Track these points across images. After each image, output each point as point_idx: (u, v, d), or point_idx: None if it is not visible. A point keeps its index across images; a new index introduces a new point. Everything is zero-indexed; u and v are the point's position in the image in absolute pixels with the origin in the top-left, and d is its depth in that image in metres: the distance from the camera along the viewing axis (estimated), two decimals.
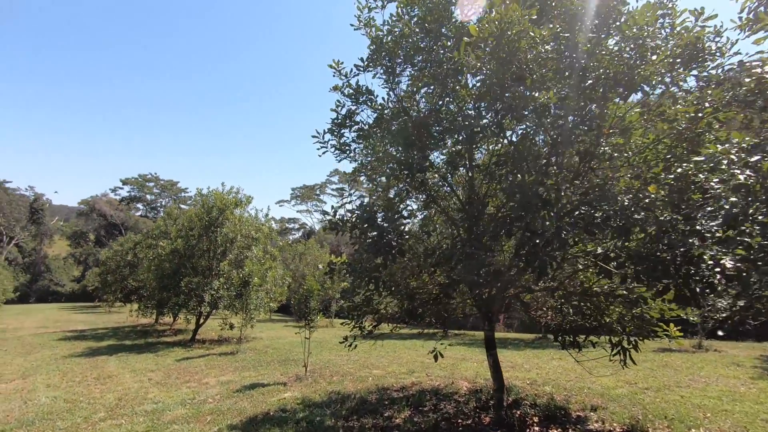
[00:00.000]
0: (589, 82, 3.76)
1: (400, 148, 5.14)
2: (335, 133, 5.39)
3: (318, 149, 5.68)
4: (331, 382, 8.91)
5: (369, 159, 6.28)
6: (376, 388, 8.19)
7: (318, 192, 61.17)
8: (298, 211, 69.46)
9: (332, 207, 4.68)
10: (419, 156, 4.87)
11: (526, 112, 3.99)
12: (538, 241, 3.24)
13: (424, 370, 9.92)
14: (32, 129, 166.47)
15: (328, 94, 6.02)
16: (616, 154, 4.56)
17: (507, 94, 3.96)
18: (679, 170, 4.05)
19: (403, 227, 4.41)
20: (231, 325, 14.97)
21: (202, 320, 17.00)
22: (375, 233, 4.24)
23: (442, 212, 5.98)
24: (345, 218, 4.74)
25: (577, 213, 3.44)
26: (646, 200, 3.30)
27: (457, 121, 4.93)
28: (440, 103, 5.68)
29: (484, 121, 4.72)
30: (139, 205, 59.08)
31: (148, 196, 58.74)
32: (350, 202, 5.14)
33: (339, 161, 5.77)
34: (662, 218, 3.19)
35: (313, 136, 5.65)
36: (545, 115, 3.77)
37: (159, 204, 58.41)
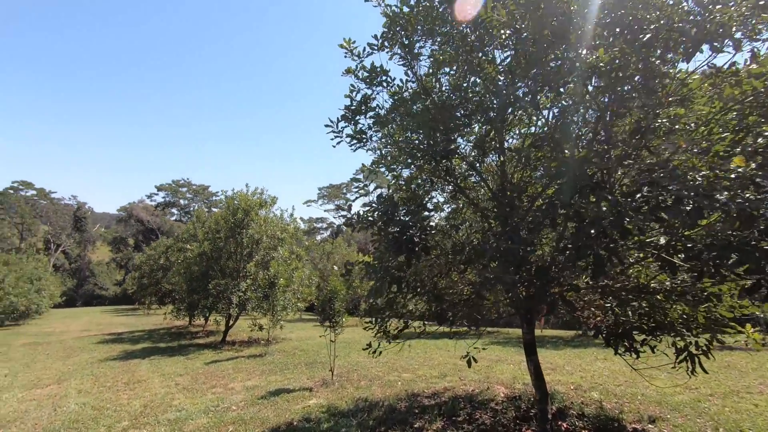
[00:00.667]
0: (648, 36, 3.07)
1: (422, 133, 4.57)
2: (350, 120, 4.85)
3: (332, 139, 5.18)
4: (358, 387, 8.45)
5: (387, 149, 5.74)
6: (406, 395, 7.66)
7: (345, 191, 61.15)
8: (325, 211, 69.79)
9: (346, 201, 4.15)
10: (444, 139, 4.27)
11: (570, 80, 3.33)
12: (592, 230, 2.62)
13: (457, 373, 9.31)
14: (71, 141, 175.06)
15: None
16: (676, 127, 3.83)
17: (547, 58, 3.32)
18: (760, 140, 3.31)
19: (427, 221, 3.86)
20: (260, 327, 14.79)
21: (231, 322, 16.98)
22: (396, 229, 3.69)
23: (470, 204, 5.36)
24: (362, 214, 4.22)
25: (638, 196, 2.79)
26: (732, 175, 2.61)
27: (486, 98, 4.32)
28: (464, 84, 5.07)
29: (519, 92, 4.07)
30: (174, 210, 60.92)
31: (181, 201, 60.46)
32: (367, 194, 4.58)
33: (354, 150, 5.22)
34: (755, 197, 2.49)
35: (326, 125, 5.15)
36: (592, 80, 3.12)
37: (192, 208, 59.99)
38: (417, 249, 3.65)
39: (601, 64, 3.03)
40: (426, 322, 5.85)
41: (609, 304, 4.87)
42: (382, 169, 5.97)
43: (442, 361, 10.82)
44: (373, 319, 5.65)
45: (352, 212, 4.16)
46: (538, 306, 5.02)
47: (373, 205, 4.05)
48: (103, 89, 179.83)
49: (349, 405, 7.20)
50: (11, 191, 54.50)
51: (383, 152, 5.77)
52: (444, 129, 4.35)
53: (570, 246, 3.03)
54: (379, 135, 5.57)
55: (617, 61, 3.06)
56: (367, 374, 9.59)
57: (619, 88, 3.22)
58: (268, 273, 13.69)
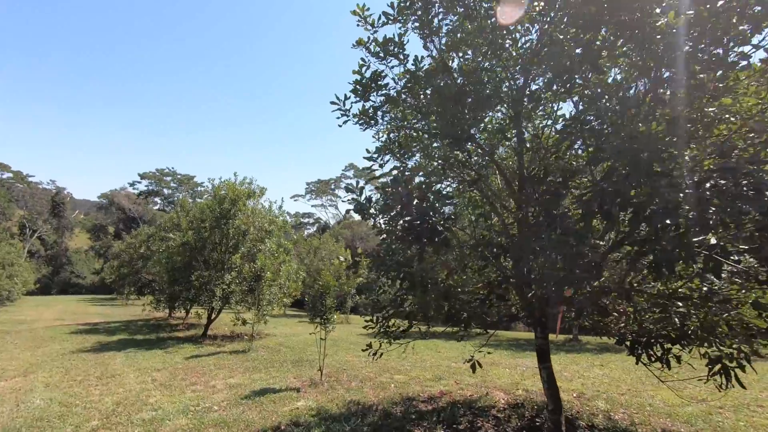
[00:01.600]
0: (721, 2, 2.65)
1: (440, 114, 4.08)
2: (361, 95, 4.33)
3: (338, 118, 4.66)
4: (349, 388, 7.94)
5: (394, 135, 5.25)
6: (401, 398, 7.19)
7: (333, 186, 60.36)
8: (312, 206, 68.95)
9: (357, 183, 3.64)
10: (470, 117, 3.80)
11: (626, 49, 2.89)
12: (669, 222, 2.18)
13: (452, 376, 8.89)
14: (52, 124, 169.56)
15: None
16: (726, 116, 3.43)
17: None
18: None
19: (446, 208, 3.40)
20: (243, 321, 14.15)
21: (213, 315, 16.27)
22: (412, 216, 3.21)
23: (487, 196, 4.90)
24: (372, 199, 3.71)
25: (709, 184, 2.36)
26: None
27: (509, 78, 3.87)
28: (485, 64, 4.61)
29: (547, 76, 3.63)
30: (157, 199, 59.21)
31: (165, 191, 58.80)
32: (378, 178, 4.08)
33: (363, 130, 4.71)
34: None
35: (332, 102, 4.63)
36: (658, 43, 2.67)
37: (176, 198, 58.31)
38: (437, 240, 3.17)
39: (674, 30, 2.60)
40: (430, 324, 5.38)
41: (632, 309, 4.48)
42: (388, 158, 5.46)
43: (434, 362, 10.39)
44: (374, 317, 5.15)
45: (363, 196, 3.64)
46: (556, 308, 4.59)
47: (388, 189, 3.55)
48: (85, 70, 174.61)
49: (340, 408, 6.69)
50: None
51: (391, 137, 5.27)
52: (471, 103, 3.86)
53: (629, 241, 2.60)
54: (388, 118, 5.08)
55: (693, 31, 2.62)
56: (357, 375, 9.09)
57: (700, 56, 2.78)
58: (255, 266, 13.06)
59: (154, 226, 23.91)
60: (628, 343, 4.20)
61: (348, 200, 3.63)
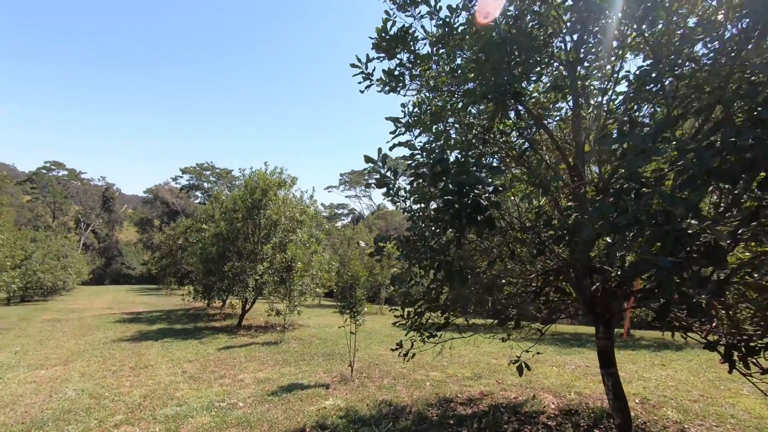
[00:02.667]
0: None
1: (481, 66, 3.33)
2: (384, 50, 3.64)
3: (360, 83, 4.00)
4: (381, 386, 7.38)
5: (427, 106, 4.51)
6: (437, 399, 6.54)
7: (367, 177, 60.05)
8: (346, 197, 68.98)
9: (379, 151, 2.97)
10: (519, 72, 3.03)
11: None
12: None
13: (493, 375, 8.13)
14: (100, 123, 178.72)
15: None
16: None
17: None
18: None
19: (492, 179, 2.69)
20: (277, 312, 13.95)
21: (247, 306, 16.22)
22: (449, 191, 2.51)
23: (535, 173, 4.10)
24: (398, 172, 3.03)
25: None
26: None
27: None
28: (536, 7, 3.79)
29: None
30: (198, 193, 61.08)
31: (205, 184, 60.54)
32: (408, 142, 3.37)
33: (387, 93, 4.03)
34: None
35: (353, 65, 3.96)
36: None
37: (215, 191, 59.82)
38: (481, 219, 2.47)
39: None
40: (468, 319, 4.68)
41: (721, 306, 3.58)
42: (418, 132, 4.73)
43: (473, 358, 9.65)
44: (405, 312, 4.50)
45: (386, 168, 2.96)
46: (623, 303, 3.77)
47: (417, 156, 2.86)
48: (128, 79, 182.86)
49: (371, 409, 6.13)
50: (44, 171, 55.60)
51: (422, 108, 4.54)
52: (519, 54, 3.08)
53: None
54: (417, 85, 4.36)
55: None
56: (390, 371, 8.52)
57: None
58: (285, 256, 12.73)
59: (191, 218, 24.32)
60: (721, 349, 3.33)
61: (368, 171, 2.97)
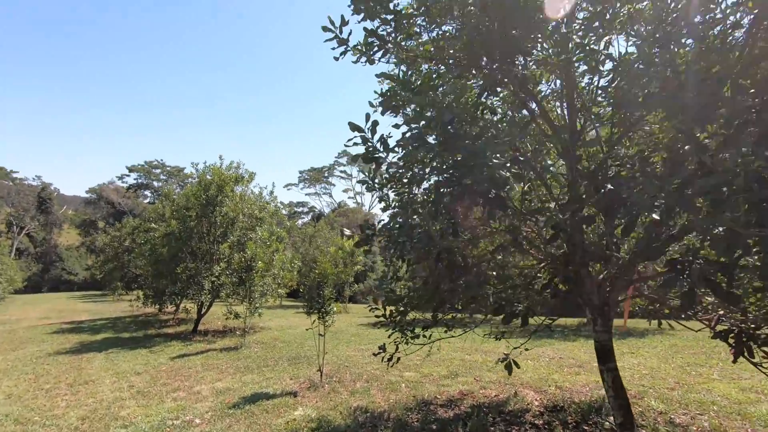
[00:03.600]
0: None
1: (474, 22, 2.85)
2: (364, 4, 3.06)
3: (334, 48, 3.43)
4: (353, 391, 6.83)
5: (414, 72, 3.97)
6: (415, 402, 6.09)
7: (326, 174, 58.91)
8: (306, 194, 67.47)
9: (367, 116, 2.41)
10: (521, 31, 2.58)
11: None
12: None
13: (469, 372, 7.80)
14: (36, 120, 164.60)
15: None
16: None
17: None
18: None
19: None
20: (236, 315, 12.99)
21: (203, 310, 15.10)
22: (459, 160, 2.01)
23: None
24: (387, 140, 2.49)
25: None
26: None
27: None
28: None
29: None
30: (147, 192, 57.20)
31: (155, 183, 56.78)
32: (400, 108, 2.83)
33: (371, 55, 3.45)
34: None
35: (325, 28, 3.38)
36: None
37: (166, 189, 56.04)
38: (494, 196, 2.00)
39: None
40: (458, 315, 4.24)
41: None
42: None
43: (446, 355, 9.30)
44: (386, 312, 3.99)
45: (377, 137, 2.42)
46: (625, 293, 3.46)
47: (413, 127, 2.32)
48: (68, 66, 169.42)
49: (345, 418, 5.58)
50: None
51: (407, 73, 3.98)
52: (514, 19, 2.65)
53: None
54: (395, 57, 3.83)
55: None
56: (361, 373, 7.98)
57: None
58: (245, 255, 11.84)
59: (138, 218, 22.50)
60: (732, 337, 3.09)
61: (354, 143, 2.42)
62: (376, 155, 2.47)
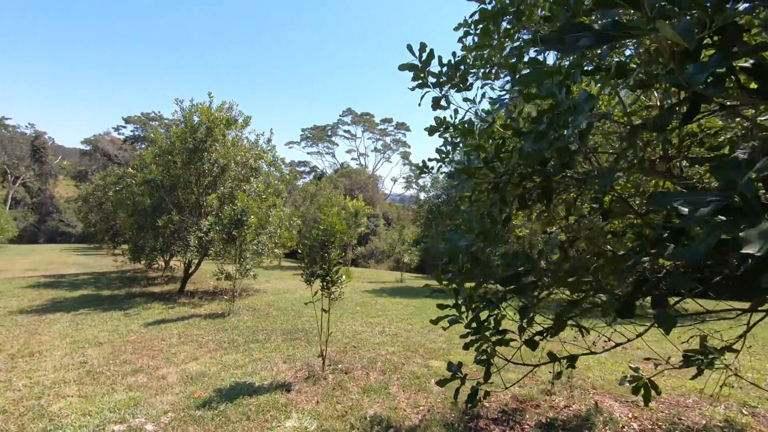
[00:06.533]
0: None
1: None
2: None
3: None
4: (367, 387, 5.02)
5: None
6: (456, 413, 4.28)
7: (330, 133, 55.94)
8: (308, 153, 64.76)
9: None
10: None
11: None
12: None
13: (516, 367, 6.01)
14: (30, 66, 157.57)
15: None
16: None
17: None
18: None
19: None
20: (227, 275, 11.18)
21: (192, 269, 13.29)
22: None
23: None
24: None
25: None
26: None
27: None
28: None
29: None
30: (143, 145, 54.45)
31: (152, 135, 53.78)
32: None
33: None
34: None
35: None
36: None
37: (151, 134, 52.80)
38: None
39: None
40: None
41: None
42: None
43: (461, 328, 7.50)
44: (460, 299, 2.06)
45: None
46: None
47: None
48: (64, 10, 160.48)
49: None
50: None
51: None
52: None
53: None
54: None
55: None
56: (374, 358, 6.19)
57: None
58: (234, 208, 9.86)
59: (123, 166, 20.33)
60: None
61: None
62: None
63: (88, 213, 18.96)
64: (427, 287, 2.43)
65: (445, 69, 2.49)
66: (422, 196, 28.20)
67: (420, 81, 2.56)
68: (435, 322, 2.37)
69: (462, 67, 2.53)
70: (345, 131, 56.53)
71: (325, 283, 5.37)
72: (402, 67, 2.48)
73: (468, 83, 2.61)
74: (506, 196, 1.75)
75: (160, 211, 11.91)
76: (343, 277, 5.51)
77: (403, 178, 62.66)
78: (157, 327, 8.41)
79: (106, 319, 9.10)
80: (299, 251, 5.67)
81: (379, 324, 8.74)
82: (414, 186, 58.89)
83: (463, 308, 2.24)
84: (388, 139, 58.90)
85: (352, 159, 60.47)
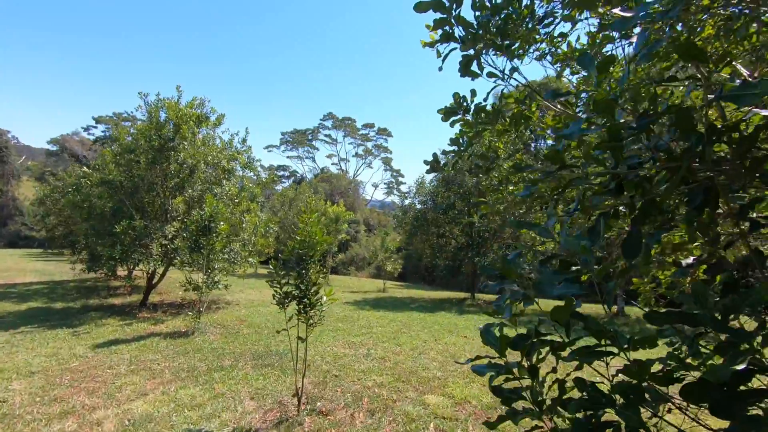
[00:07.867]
0: None
1: None
2: None
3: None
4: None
5: None
6: None
7: (310, 137, 54.60)
8: (288, 157, 63.24)
9: None
10: None
11: None
12: None
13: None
14: None
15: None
16: None
17: None
18: None
19: None
20: (195, 286, 9.96)
21: (156, 279, 12.00)
22: None
23: None
24: None
25: None
26: None
27: None
28: None
29: None
30: (115, 147, 51.84)
31: (116, 133, 51.11)
32: None
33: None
34: None
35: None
36: None
37: (114, 132, 50.07)
38: None
39: None
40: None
41: None
42: None
43: (453, 349, 6.63)
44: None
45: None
46: None
47: None
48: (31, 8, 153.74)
49: None
50: None
51: None
52: None
53: None
54: None
55: None
56: (359, 392, 5.21)
57: None
58: (202, 213, 8.74)
59: (85, 166, 18.71)
60: None
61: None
62: None
63: (45, 217, 17.25)
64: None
65: (486, 14, 1.62)
66: (406, 202, 27.51)
67: (445, 29, 1.67)
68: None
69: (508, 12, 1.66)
70: (326, 135, 55.43)
71: (301, 307, 4.38)
72: (420, 7, 1.59)
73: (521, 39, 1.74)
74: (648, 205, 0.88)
75: (120, 215, 10.62)
76: (324, 298, 4.53)
77: (385, 183, 61.91)
78: (106, 350, 7.20)
79: (49, 339, 7.80)
80: (271, 264, 4.68)
81: (363, 345, 7.75)
82: (395, 192, 58.23)
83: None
84: (369, 145, 58.11)
85: (333, 164, 59.40)
